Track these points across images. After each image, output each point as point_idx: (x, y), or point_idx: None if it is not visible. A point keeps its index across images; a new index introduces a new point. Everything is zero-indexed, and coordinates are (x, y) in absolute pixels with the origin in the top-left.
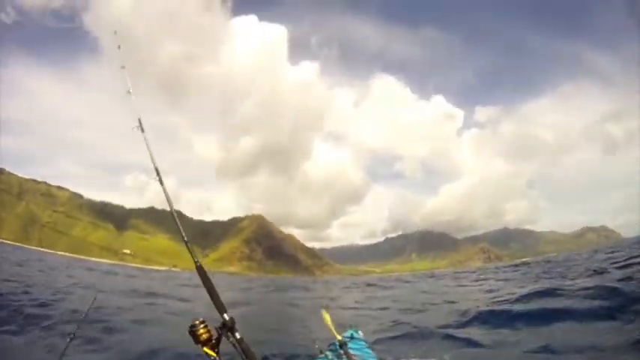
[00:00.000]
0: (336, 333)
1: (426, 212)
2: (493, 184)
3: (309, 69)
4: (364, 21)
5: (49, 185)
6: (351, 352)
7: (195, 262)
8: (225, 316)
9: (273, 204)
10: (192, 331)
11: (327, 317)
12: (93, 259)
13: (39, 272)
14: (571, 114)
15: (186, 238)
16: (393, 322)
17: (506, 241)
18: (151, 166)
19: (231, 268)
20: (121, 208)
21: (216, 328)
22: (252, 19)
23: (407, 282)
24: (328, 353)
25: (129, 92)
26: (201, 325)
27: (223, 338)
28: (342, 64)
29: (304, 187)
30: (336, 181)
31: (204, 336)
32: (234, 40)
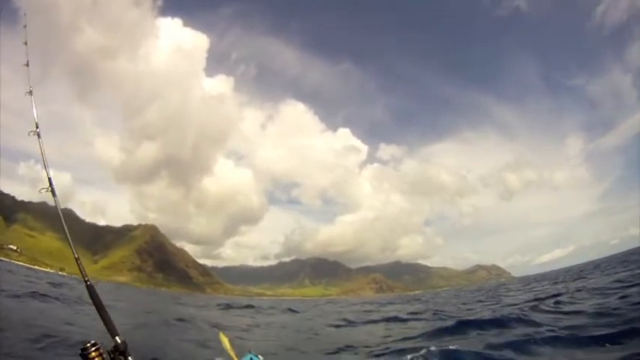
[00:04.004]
0: (235, 357)
1: (321, 240)
2: (390, 218)
3: (223, 83)
4: (285, 46)
5: None
6: None
7: (85, 281)
8: (117, 339)
9: (168, 215)
10: (84, 354)
11: (225, 340)
12: None
13: None
14: (472, 159)
15: (76, 255)
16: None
17: (400, 273)
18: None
19: (121, 278)
20: (11, 198)
21: (108, 352)
22: (177, 22)
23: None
24: None
25: (30, 92)
26: (93, 349)
27: None
28: (256, 84)
29: (201, 202)
30: (233, 200)
31: None
32: (155, 40)
